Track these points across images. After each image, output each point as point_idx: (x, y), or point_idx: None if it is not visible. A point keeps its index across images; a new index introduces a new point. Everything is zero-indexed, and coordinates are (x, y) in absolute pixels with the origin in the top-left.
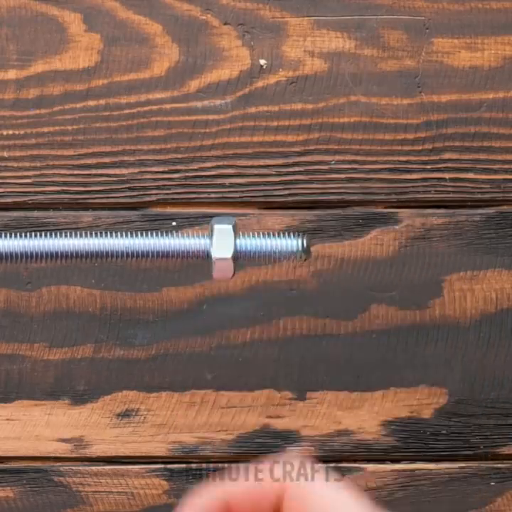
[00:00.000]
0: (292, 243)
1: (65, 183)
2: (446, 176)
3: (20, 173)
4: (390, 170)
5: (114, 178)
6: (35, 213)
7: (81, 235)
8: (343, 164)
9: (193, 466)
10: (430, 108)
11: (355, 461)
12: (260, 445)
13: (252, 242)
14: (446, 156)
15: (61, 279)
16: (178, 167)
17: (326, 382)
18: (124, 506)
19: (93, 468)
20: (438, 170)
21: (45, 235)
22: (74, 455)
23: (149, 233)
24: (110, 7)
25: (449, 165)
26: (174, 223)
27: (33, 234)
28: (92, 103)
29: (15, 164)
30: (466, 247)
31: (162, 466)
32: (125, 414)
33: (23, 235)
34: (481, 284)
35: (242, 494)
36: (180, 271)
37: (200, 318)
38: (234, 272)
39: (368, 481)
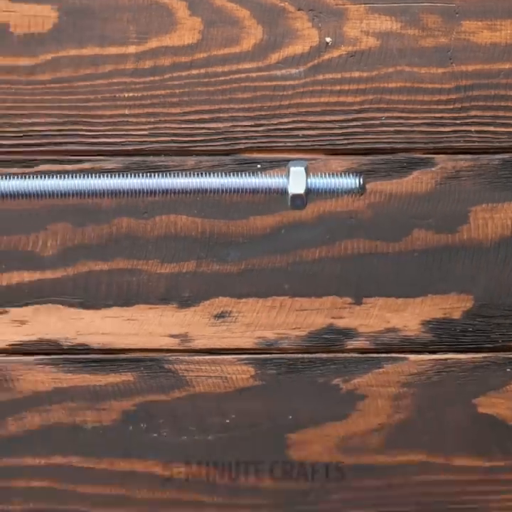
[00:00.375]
0: (351, 181)
1: (173, 134)
2: (472, 128)
3: (138, 127)
4: (428, 124)
5: (212, 131)
6: (150, 158)
7: (186, 175)
8: (391, 120)
9: (274, 356)
10: (459, 76)
11: (400, 352)
12: (326, 340)
13: (319, 181)
14: (472, 113)
15: (171, 209)
16: (262, 122)
17: (377, 290)
18: (220, 388)
19: (195, 357)
20: (466, 124)
21: (158, 175)
22: (180, 348)
23: (239, 174)
24: None
25: (475, 120)
26: (259, 166)
27: (148, 174)
28: (194, 72)
29: (134, 120)
30: (488, 185)
31: (249, 356)
32: (220, 316)
33: (140, 175)
34: (499, 214)
35: None
36: (263, 203)
37: (279, 241)
38: (306, 204)
39: (411, 368)
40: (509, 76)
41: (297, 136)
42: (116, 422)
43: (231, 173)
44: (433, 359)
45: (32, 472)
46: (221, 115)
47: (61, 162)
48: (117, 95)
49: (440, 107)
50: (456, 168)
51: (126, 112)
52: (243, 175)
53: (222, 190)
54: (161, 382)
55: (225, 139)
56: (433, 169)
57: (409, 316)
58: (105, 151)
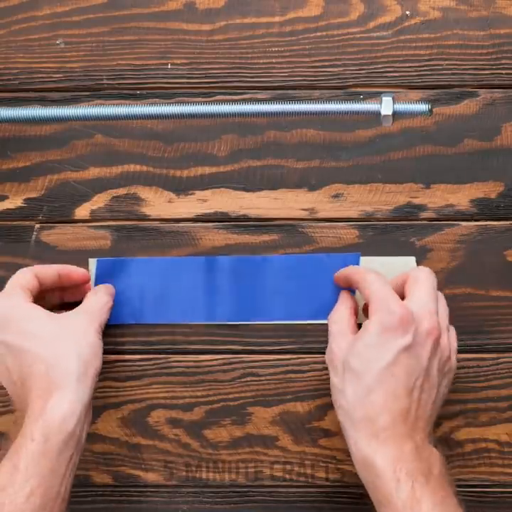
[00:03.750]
0: (423, 107)
1: (304, 75)
2: (503, 71)
3: (281, 71)
4: (474, 68)
5: (330, 73)
6: (289, 91)
7: (313, 103)
8: (449, 66)
9: (371, 223)
10: (494, 37)
11: (455, 220)
12: (406, 212)
13: (402, 106)
14: (503, 61)
15: (303, 125)
16: (364, 67)
17: (440, 179)
18: (336, 244)
19: (319, 224)
20: (499, 68)
21: (294, 102)
22: (309, 217)
23: (348, 101)
24: None
25: (505, 66)
26: (361, 96)
27: (287, 102)
28: (318, 34)
29: (278, 66)
30: None
31: (355, 223)
32: (336, 196)
33: (282, 102)
34: None
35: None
36: (364, 121)
37: (375, 146)
38: (393, 122)
39: (462, 231)
40: None
41: (386, 77)
42: None
43: (342, 101)
44: (477, 225)
45: None
46: (336, 63)
47: (230, 94)
48: (267, 49)
49: (482, 57)
50: (493, 98)
51: (273, 60)
52: (351, 102)
53: (337, 112)
54: (296, 240)
55: (338, 78)
56: (477, 98)
57: (461, 196)
58: (259, 86)
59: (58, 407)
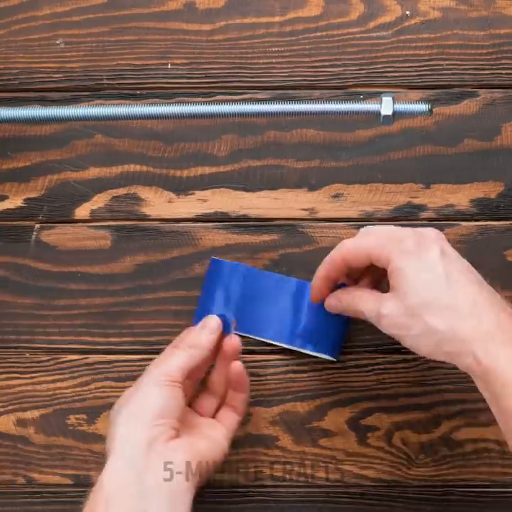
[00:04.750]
0: (423, 107)
1: (304, 75)
2: (503, 71)
3: (281, 71)
4: (474, 68)
5: (330, 73)
6: (289, 91)
7: (312, 103)
8: (450, 65)
9: (371, 223)
10: (495, 37)
11: (455, 220)
12: (406, 212)
13: (402, 106)
14: (503, 61)
15: (303, 125)
16: (363, 67)
17: (440, 179)
18: (336, 243)
19: (319, 224)
20: (498, 68)
21: (294, 103)
22: (309, 217)
23: (348, 101)
24: None
25: (505, 66)
26: (361, 96)
27: (287, 102)
28: (318, 34)
29: (278, 66)
30: None
31: (355, 223)
32: (336, 196)
33: (282, 102)
34: None
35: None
36: (364, 121)
37: (375, 146)
38: (393, 122)
39: (462, 231)
40: None
41: (386, 77)
42: (266, 267)
43: (342, 101)
44: (477, 225)
45: None
46: (336, 63)
47: (230, 94)
48: (267, 49)
49: (482, 57)
50: (493, 98)
51: (273, 60)
52: (351, 102)
53: (337, 112)
54: (296, 240)
55: (338, 78)
56: (477, 98)
57: (461, 196)
58: (259, 86)
59: None
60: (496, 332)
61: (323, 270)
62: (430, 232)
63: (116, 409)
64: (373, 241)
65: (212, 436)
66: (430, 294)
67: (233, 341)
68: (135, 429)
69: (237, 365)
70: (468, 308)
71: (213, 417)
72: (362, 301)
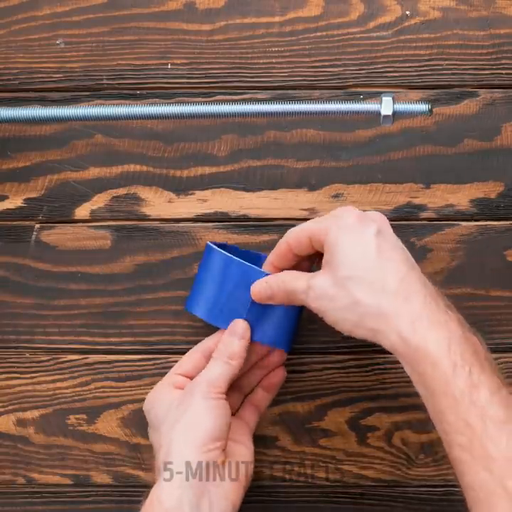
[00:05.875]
0: (423, 107)
1: (304, 75)
2: (503, 71)
3: (281, 70)
4: (474, 68)
5: (330, 73)
6: (289, 91)
7: (312, 103)
8: (450, 65)
9: None
10: (495, 37)
11: (455, 220)
12: (406, 212)
13: (402, 106)
14: (503, 61)
15: (303, 125)
16: (364, 67)
17: (440, 179)
18: None
19: None
20: (498, 68)
21: (294, 103)
22: (309, 217)
23: (348, 101)
24: None
25: (505, 66)
26: (361, 96)
27: (287, 102)
28: (319, 34)
29: (278, 66)
30: None
31: None
32: (336, 196)
33: (282, 102)
34: None
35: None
36: (364, 121)
37: (375, 146)
38: (393, 122)
39: (462, 231)
40: None
41: (386, 77)
42: None
43: (342, 101)
44: (477, 225)
45: None
46: (336, 63)
47: (230, 94)
48: (267, 49)
49: (482, 57)
50: (493, 98)
51: (273, 60)
52: (351, 102)
53: (337, 112)
54: None
55: (338, 78)
56: (477, 98)
57: (461, 196)
58: (259, 86)
59: None
60: (423, 312)
61: (270, 257)
62: (374, 214)
63: (160, 415)
64: (314, 221)
65: (241, 441)
66: (360, 268)
67: (280, 351)
68: (190, 451)
69: (281, 372)
70: (396, 285)
71: (235, 412)
72: (292, 279)
